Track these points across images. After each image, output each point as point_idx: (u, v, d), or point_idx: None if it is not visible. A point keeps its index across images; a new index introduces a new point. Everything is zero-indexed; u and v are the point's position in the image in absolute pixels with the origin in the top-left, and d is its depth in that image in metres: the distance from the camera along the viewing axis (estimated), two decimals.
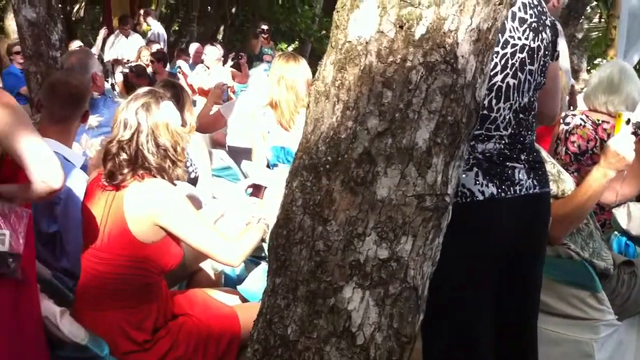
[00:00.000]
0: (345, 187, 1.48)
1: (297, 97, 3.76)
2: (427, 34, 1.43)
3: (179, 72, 8.45)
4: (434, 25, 1.43)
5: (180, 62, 8.70)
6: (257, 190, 2.90)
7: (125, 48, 9.24)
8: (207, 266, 3.15)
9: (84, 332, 2.27)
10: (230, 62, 8.64)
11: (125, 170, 2.32)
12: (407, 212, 1.47)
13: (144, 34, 10.31)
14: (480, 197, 2.03)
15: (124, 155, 2.31)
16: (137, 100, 2.36)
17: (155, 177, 2.35)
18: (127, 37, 9.32)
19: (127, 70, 7.65)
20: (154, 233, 2.33)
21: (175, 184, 2.43)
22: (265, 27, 10.00)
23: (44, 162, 1.93)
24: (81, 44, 8.71)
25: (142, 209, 2.30)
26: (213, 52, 8.16)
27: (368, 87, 1.47)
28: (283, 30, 16.73)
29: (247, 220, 2.64)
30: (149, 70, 8.16)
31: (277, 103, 3.79)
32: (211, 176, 4.13)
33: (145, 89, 2.46)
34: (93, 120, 4.01)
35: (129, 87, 7.76)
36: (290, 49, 16.41)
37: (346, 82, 1.50)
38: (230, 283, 3.09)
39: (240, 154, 4.54)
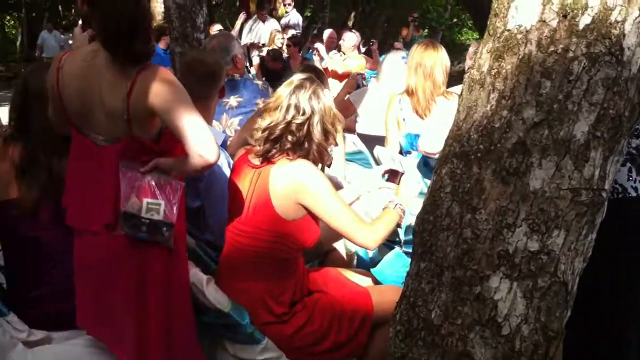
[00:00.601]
0: (497, 177, 1.48)
1: (434, 85, 3.73)
2: (592, 24, 1.40)
3: (315, 54, 8.55)
4: (599, 16, 1.39)
5: (317, 45, 8.78)
6: (393, 175, 2.93)
7: (263, 33, 9.45)
8: (340, 246, 3.22)
9: (227, 300, 2.38)
10: (362, 49, 8.68)
11: (283, 150, 2.42)
12: (560, 206, 1.45)
13: (279, 19, 10.51)
14: (633, 194, 1.95)
15: (290, 138, 2.41)
16: (306, 88, 2.44)
17: (305, 158, 2.43)
18: (263, 22, 9.54)
19: (263, 54, 7.84)
20: (296, 211, 2.41)
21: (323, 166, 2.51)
22: (415, 15, 9.88)
23: (202, 137, 2.05)
24: (221, 27, 9.04)
25: (287, 187, 2.39)
26: (351, 39, 8.21)
27: (526, 77, 1.45)
28: (428, 16, 16.60)
29: (384, 205, 2.67)
30: (284, 54, 8.34)
31: (414, 90, 3.77)
32: (345, 160, 4.19)
33: (302, 75, 2.54)
34: (233, 100, 4.19)
35: (264, 70, 8.00)
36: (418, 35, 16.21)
37: (503, 71, 1.49)
38: (363, 265, 3.14)
39: (369, 141, 4.57)
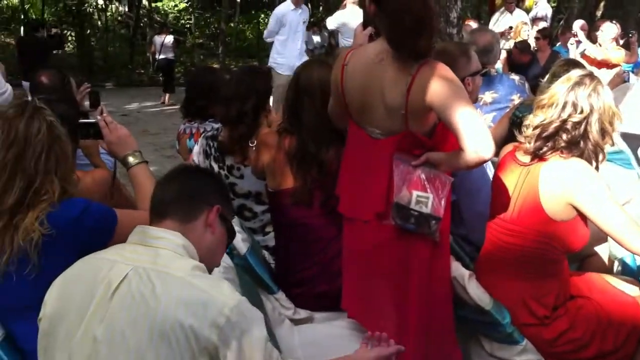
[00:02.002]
0: None
1: None
2: None
3: (572, 44, 8.09)
4: None
5: (577, 31, 8.24)
6: None
7: (510, 24, 9.18)
8: (602, 251, 3.04)
9: (488, 298, 2.37)
10: (621, 41, 8.04)
11: (557, 148, 2.34)
12: None
13: (526, 11, 10.11)
14: None
15: (564, 136, 2.33)
16: (585, 85, 2.34)
17: (580, 157, 2.33)
18: (511, 13, 9.27)
19: (507, 47, 7.60)
20: (566, 212, 2.32)
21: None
22: None
23: (478, 134, 2.05)
24: (472, 22, 8.92)
25: (558, 186, 2.30)
26: (610, 29, 7.67)
27: None
28: None
29: None
30: (532, 47, 8.02)
31: None
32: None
33: (580, 71, 2.43)
34: (488, 96, 4.12)
35: (510, 63, 7.75)
36: None
37: None
38: (629, 272, 2.92)
39: (631, 140, 4.24)
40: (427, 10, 2.14)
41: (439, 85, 2.11)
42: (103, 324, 1.53)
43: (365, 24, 2.40)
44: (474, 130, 2.05)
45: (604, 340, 2.42)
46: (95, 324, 1.53)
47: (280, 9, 8.94)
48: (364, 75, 2.27)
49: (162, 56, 14.47)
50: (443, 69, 2.17)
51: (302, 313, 2.66)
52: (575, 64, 3.70)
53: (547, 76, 3.75)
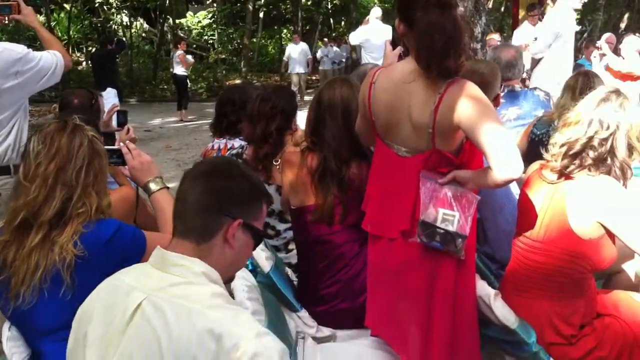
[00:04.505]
0: None
1: None
2: None
3: (594, 57, 8.06)
4: None
5: (601, 43, 8.21)
6: None
7: (533, 37, 9.13)
8: (629, 268, 3.01)
9: (514, 317, 2.33)
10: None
11: (583, 166, 2.33)
12: None
13: None
14: None
15: (591, 154, 2.32)
16: (611, 101, 2.33)
17: (607, 175, 2.32)
18: (534, 25, 9.23)
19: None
20: (594, 230, 2.30)
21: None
22: None
23: (507, 153, 2.04)
24: (498, 36, 8.93)
25: (586, 204, 2.29)
26: (633, 42, 7.63)
27: None
28: None
29: None
30: None
31: None
32: None
33: (608, 88, 2.43)
34: (512, 112, 4.11)
35: None
36: None
37: None
38: None
39: None
40: (456, 30, 2.13)
41: (467, 104, 2.11)
42: (116, 357, 1.49)
43: (394, 43, 2.40)
44: (503, 150, 2.04)
45: (631, 359, 2.39)
46: (110, 355, 1.50)
47: None
48: (392, 93, 2.28)
49: (174, 71, 14.69)
50: (471, 87, 2.17)
51: (325, 331, 2.65)
52: (585, 74, 3.69)
53: (561, 90, 3.76)
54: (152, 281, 1.56)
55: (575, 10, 7.92)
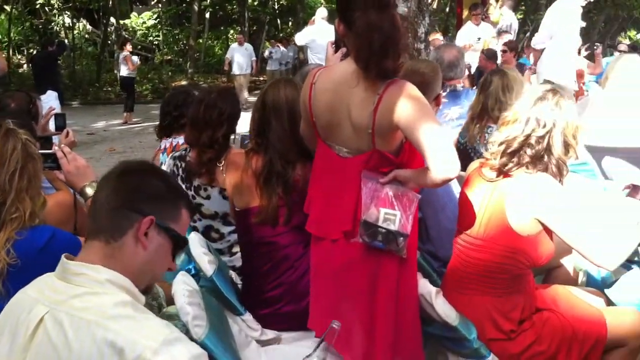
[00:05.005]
0: None
1: None
2: None
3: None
4: None
5: None
6: (635, 190, 2.75)
7: (477, 37, 9.29)
8: (567, 263, 3.08)
9: (455, 314, 2.36)
10: (584, 52, 8.22)
11: (521, 164, 2.38)
12: None
13: (493, 24, 10.28)
14: None
15: (529, 151, 2.36)
16: (548, 100, 2.38)
17: (544, 172, 2.36)
18: (477, 24, 9.39)
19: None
20: (532, 226, 2.35)
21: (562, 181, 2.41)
22: None
23: (444, 153, 2.06)
24: (439, 36, 9.03)
25: (523, 201, 2.33)
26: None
27: None
28: (636, 16, 15.44)
29: (625, 222, 2.51)
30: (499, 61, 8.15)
31: None
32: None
33: (545, 86, 2.48)
34: (454, 111, 4.16)
35: (477, 71, 7.85)
36: (639, 36, 15.05)
37: None
38: (593, 284, 2.97)
39: (594, 152, 4.31)
40: (395, 31, 2.14)
41: (405, 104, 2.12)
42: None
43: (336, 44, 2.40)
44: (440, 150, 2.06)
45: (569, 352, 2.45)
46: None
47: None
48: (332, 94, 2.27)
49: (120, 73, 14.50)
50: (410, 88, 2.18)
51: (270, 334, 2.64)
52: (501, 72, 3.74)
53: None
54: (55, 294, 1.48)
55: (519, 10, 8.03)
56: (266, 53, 18.43)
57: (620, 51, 9.06)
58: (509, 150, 2.38)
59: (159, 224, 1.57)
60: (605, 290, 2.72)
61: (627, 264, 2.71)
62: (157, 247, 1.58)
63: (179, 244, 1.66)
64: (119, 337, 1.36)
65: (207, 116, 3.02)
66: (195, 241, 2.62)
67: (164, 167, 3.42)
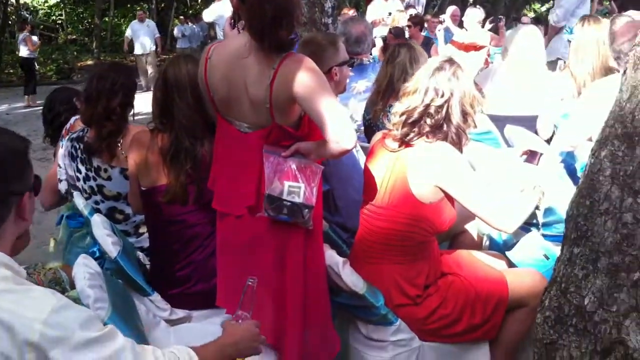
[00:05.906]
0: None
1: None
2: None
3: (441, 29, 8.40)
4: None
5: (444, 18, 8.51)
6: (532, 156, 2.85)
7: (387, 12, 9.37)
8: (471, 228, 3.17)
9: (362, 282, 2.41)
10: (488, 25, 8.46)
11: (422, 133, 2.41)
12: None
13: None
14: None
15: (429, 121, 2.40)
16: (445, 70, 2.42)
17: (444, 141, 2.41)
18: (386, 0, 9.47)
19: (383, 35, 7.77)
20: (434, 194, 2.40)
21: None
22: None
23: (340, 125, 2.07)
24: (354, 11, 9.06)
25: (424, 170, 2.38)
26: (475, 14, 8.05)
27: None
28: None
29: (521, 187, 2.60)
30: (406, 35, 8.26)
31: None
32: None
33: (441, 57, 2.51)
34: (361, 84, 4.18)
35: (386, 49, 7.93)
36: (543, 8, 15.59)
37: None
38: (495, 247, 3.08)
39: (497, 121, 4.44)
40: (288, 2, 2.11)
41: (301, 77, 2.11)
42: None
43: (233, 19, 2.35)
44: (336, 122, 2.07)
45: (473, 313, 2.53)
46: None
47: None
48: (227, 68, 2.24)
49: (20, 54, 13.85)
50: (305, 61, 2.17)
51: (180, 313, 2.60)
52: (408, 45, 3.79)
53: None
54: None
55: None
56: (176, 31, 17.90)
57: (523, 24, 9.35)
58: (409, 121, 2.42)
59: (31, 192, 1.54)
60: (506, 253, 2.82)
61: (526, 227, 2.81)
62: (30, 208, 1.55)
63: (38, 187, 1.60)
64: (4, 313, 1.32)
65: (100, 86, 2.92)
66: (98, 223, 2.55)
67: (58, 155, 3.28)
